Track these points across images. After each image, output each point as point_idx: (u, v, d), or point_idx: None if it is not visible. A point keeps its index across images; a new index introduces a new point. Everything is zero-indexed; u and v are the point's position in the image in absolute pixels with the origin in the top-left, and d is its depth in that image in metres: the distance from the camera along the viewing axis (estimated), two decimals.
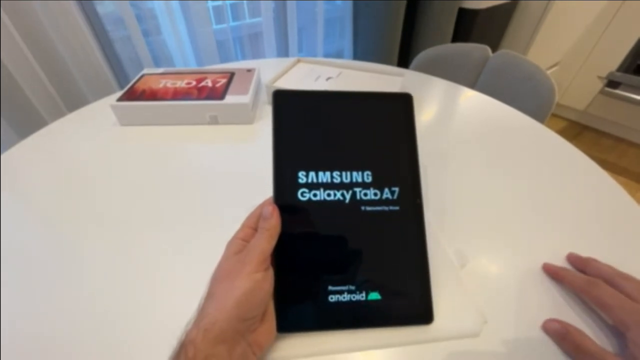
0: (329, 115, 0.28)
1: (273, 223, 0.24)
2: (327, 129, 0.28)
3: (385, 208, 0.27)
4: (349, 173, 0.27)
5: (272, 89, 0.29)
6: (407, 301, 0.27)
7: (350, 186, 0.27)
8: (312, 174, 0.27)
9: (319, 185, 0.27)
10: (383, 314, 0.26)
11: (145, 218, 0.37)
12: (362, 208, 0.27)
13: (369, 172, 0.28)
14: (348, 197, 0.27)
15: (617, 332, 0.25)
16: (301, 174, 0.27)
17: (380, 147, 0.28)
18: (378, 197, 0.27)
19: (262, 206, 0.26)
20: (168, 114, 0.51)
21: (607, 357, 0.23)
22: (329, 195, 0.27)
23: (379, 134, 0.29)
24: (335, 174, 0.27)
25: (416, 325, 0.26)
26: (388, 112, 0.29)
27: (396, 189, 0.28)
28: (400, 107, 0.29)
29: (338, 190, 0.27)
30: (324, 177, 0.27)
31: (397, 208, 0.27)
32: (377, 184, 0.27)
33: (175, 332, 0.21)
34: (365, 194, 0.27)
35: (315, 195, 0.27)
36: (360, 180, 0.27)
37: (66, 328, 0.27)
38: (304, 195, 0.27)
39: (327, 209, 0.26)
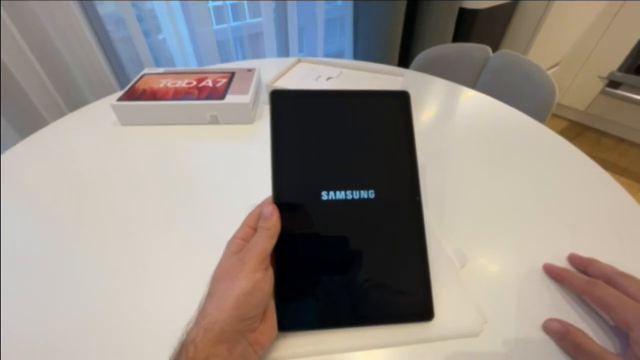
0: (327, 114, 0.28)
1: (273, 222, 0.24)
2: (325, 128, 0.28)
3: (384, 205, 0.27)
4: (348, 173, 0.27)
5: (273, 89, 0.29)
6: (408, 298, 0.27)
7: (349, 185, 0.27)
8: (311, 173, 0.27)
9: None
10: (384, 311, 0.26)
11: (145, 217, 0.37)
12: (361, 206, 0.27)
13: (369, 172, 0.28)
14: (347, 196, 0.27)
15: (619, 332, 0.25)
16: (300, 173, 0.27)
17: (378, 144, 0.28)
18: (377, 194, 0.27)
19: (261, 206, 0.26)
20: (168, 113, 0.51)
21: (608, 357, 0.23)
22: (328, 194, 0.27)
23: (377, 131, 0.29)
24: (335, 173, 0.27)
25: (417, 322, 0.26)
26: (386, 110, 0.29)
27: (395, 186, 0.28)
28: (398, 104, 0.29)
29: (337, 190, 0.27)
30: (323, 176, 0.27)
31: (396, 205, 0.27)
32: (376, 183, 0.27)
33: (176, 332, 0.21)
34: (365, 193, 0.27)
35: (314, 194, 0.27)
36: (359, 179, 0.27)
37: (67, 328, 0.27)
38: (303, 194, 0.27)
39: (326, 208, 0.26)
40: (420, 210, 0.28)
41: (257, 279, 0.22)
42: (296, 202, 0.26)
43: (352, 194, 0.27)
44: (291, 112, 0.28)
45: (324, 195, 0.27)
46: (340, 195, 0.27)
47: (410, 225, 0.27)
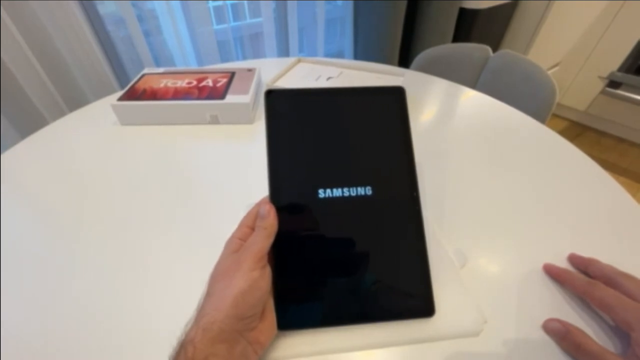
0: (322, 112, 0.28)
1: (270, 221, 0.24)
2: (320, 126, 0.28)
3: (382, 202, 0.27)
4: (344, 170, 0.27)
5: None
6: (408, 295, 0.27)
7: (346, 182, 0.27)
8: (307, 172, 0.27)
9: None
10: (384, 308, 0.26)
11: (145, 217, 0.37)
12: (359, 203, 0.27)
13: (366, 168, 0.28)
14: (344, 193, 0.27)
15: (619, 332, 0.25)
16: (296, 172, 0.27)
17: (374, 140, 0.28)
18: (374, 191, 0.27)
19: (258, 205, 0.26)
20: (168, 113, 0.51)
21: (608, 357, 0.23)
22: (325, 192, 0.27)
23: (373, 128, 0.29)
24: (331, 171, 0.27)
25: (418, 318, 0.26)
26: (382, 106, 0.29)
27: (393, 182, 0.28)
28: (393, 99, 0.29)
29: (334, 187, 0.27)
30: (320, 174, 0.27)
31: (394, 201, 0.27)
32: (374, 179, 0.27)
33: (175, 332, 0.21)
34: (362, 190, 0.27)
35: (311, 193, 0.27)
36: (356, 176, 0.27)
37: (67, 328, 0.27)
38: (299, 193, 0.27)
39: (324, 206, 0.26)
40: (419, 206, 0.28)
41: (254, 278, 0.22)
42: (293, 201, 0.26)
43: (349, 191, 0.27)
44: (286, 110, 0.28)
45: (321, 193, 0.27)
46: (337, 192, 0.27)
47: (410, 221, 0.27)
